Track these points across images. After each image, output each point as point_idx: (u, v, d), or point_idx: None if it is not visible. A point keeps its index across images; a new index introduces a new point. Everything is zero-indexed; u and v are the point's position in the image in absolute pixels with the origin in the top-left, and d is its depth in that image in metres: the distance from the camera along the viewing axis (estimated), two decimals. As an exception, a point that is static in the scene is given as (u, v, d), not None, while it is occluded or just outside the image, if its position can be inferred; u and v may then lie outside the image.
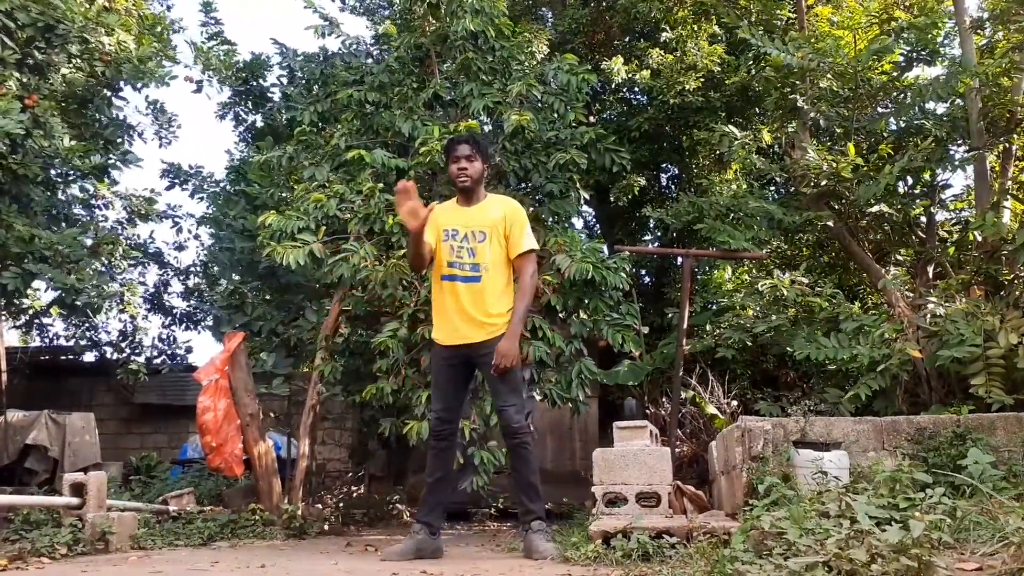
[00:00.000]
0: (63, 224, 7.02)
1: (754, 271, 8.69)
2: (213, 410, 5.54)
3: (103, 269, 7.73)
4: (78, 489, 4.17)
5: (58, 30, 6.21)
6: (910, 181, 7.17)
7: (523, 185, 5.99)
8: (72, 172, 7.20)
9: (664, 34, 8.22)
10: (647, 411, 6.36)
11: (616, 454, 4.15)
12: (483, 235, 3.77)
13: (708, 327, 7.03)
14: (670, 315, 7.67)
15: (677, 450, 5.72)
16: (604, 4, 9.01)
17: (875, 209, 6.98)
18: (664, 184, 10.01)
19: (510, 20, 6.05)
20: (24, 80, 6.08)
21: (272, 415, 7.38)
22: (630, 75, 8.22)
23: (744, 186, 7.78)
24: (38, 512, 4.52)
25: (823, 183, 6.63)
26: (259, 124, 8.31)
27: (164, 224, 9.66)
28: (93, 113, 7.21)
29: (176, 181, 8.80)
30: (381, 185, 5.27)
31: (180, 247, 10.12)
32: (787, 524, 2.50)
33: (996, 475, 3.51)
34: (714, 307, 7.86)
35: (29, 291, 8.61)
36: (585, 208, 8.89)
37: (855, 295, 8.31)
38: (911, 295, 6.27)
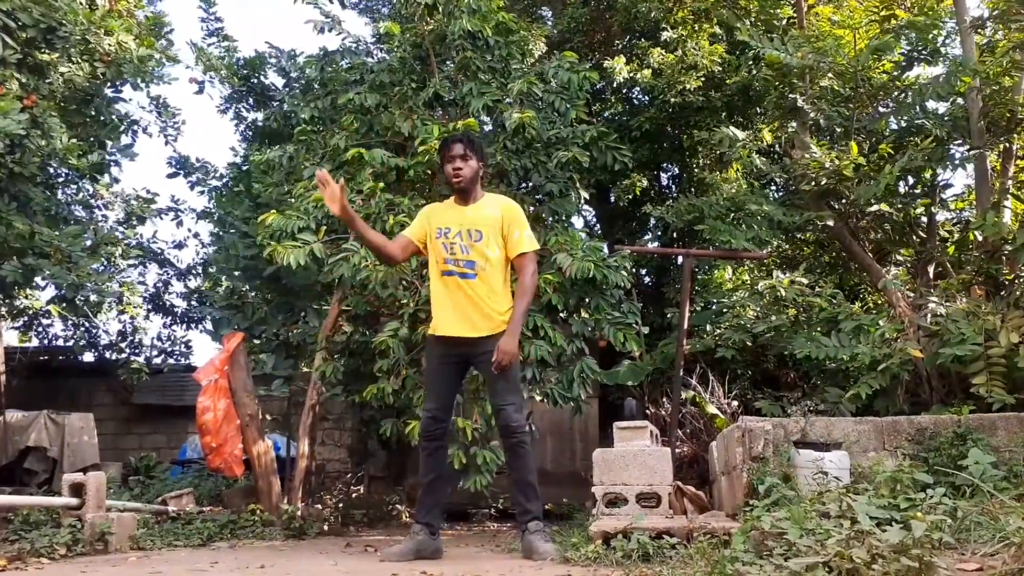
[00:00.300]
0: (62, 224, 7.02)
1: (754, 271, 8.68)
2: (213, 410, 5.54)
3: (103, 268, 7.73)
4: (77, 489, 4.17)
5: (60, 32, 6.21)
6: (910, 181, 7.16)
7: (524, 184, 5.98)
8: (70, 172, 7.20)
9: (664, 34, 8.22)
10: (647, 411, 6.36)
11: (616, 454, 4.15)
12: (480, 234, 3.75)
13: (708, 327, 7.03)
14: (670, 315, 7.67)
15: (677, 450, 5.72)
16: (604, 3, 9.00)
17: (875, 209, 6.97)
18: (664, 184, 10.01)
19: (508, 16, 6.03)
20: (23, 80, 6.07)
21: (271, 417, 7.38)
22: (632, 74, 8.22)
23: (744, 186, 7.78)
24: (37, 512, 4.53)
25: (824, 181, 6.62)
26: (260, 122, 8.32)
27: (165, 220, 9.69)
28: (92, 112, 7.20)
29: (180, 170, 8.82)
30: (382, 185, 5.26)
31: (180, 245, 10.13)
32: (788, 524, 2.49)
33: (997, 475, 3.51)
34: (714, 307, 7.86)
35: (29, 291, 8.61)
36: (585, 207, 8.88)
37: (855, 295, 8.30)
38: (911, 295, 6.27)
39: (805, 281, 6.68)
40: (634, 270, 8.20)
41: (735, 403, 6.16)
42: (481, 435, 4.96)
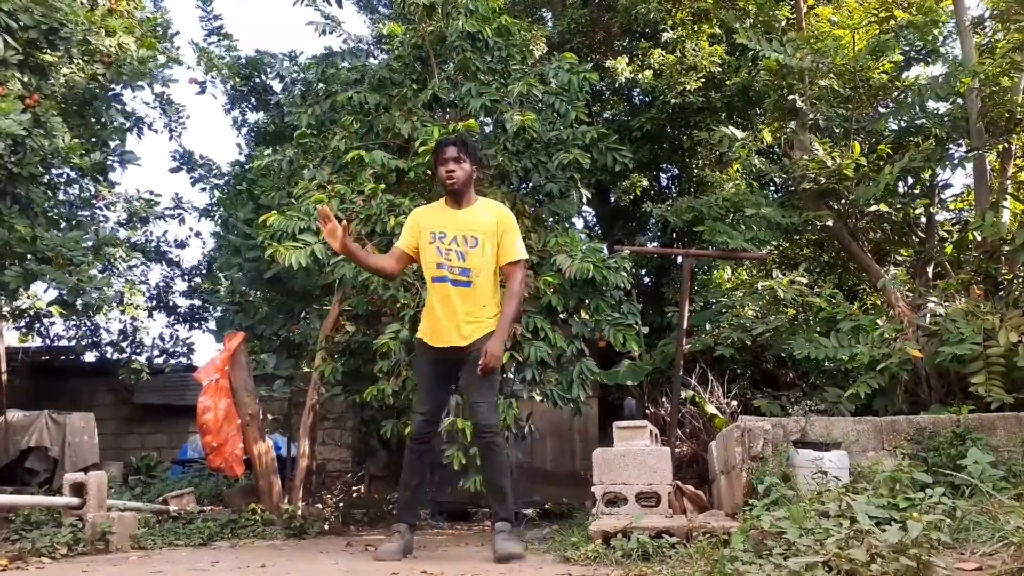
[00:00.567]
0: (63, 224, 7.03)
1: (753, 271, 8.69)
2: (213, 410, 5.55)
3: (104, 270, 7.73)
4: (78, 489, 4.17)
5: (62, 32, 6.21)
6: (910, 181, 7.17)
7: (524, 184, 5.99)
8: (72, 171, 7.21)
9: (665, 34, 8.22)
10: (647, 411, 6.36)
11: (616, 454, 4.16)
12: (475, 240, 3.72)
13: (708, 327, 7.03)
14: (670, 314, 7.67)
15: (677, 450, 5.72)
16: (604, 4, 9.01)
17: (875, 209, 6.98)
18: (664, 184, 10.02)
19: (510, 18, 6.04)
20: (25, 80, 6.08)
21: (271, 416, 7.39)
22: (633, 74, 8.23)
23: (744, 186, 7.79)
24: (38, 512, 4.53)
25: (823, 181, 6.63)
26: (261, 123, 8.33)
27: (169, 220, 9.70)
28: (93, 114, 7.20)
29: (184, 165, 8.83)
30: (383, 186, 5.27)
31: (181, 244, 10.14)
32: (787, 524, 2.50)
33: (996, 475, 3.52)
34: (713, 307, 7.87)
35: (30, 292, 8.62)
36: (585, 208, 8.89)
37: (855, 295, 8.31)
38: (911, 295, 6.28)
39: (804, 281, 6.69)
40: (634, 270, 8.21)
41: (734, 403, 6.17)
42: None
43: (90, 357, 10.10)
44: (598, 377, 5.40)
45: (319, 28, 6.38)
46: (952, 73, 6.25)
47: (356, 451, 8.46)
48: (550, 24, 9.65)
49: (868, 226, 7.35)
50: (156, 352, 10.15)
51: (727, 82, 8.04)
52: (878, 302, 7.76)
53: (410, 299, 5.15)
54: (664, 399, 6.33)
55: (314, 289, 6.62)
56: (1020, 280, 5.84)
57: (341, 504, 6.55)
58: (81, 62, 6.57)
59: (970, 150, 6.49)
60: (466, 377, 3.77)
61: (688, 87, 7.91)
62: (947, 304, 5.54)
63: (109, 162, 7.44)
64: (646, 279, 9.83)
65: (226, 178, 8.84)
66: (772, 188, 8.51)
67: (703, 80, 7.98)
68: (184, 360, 10.25)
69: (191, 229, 13.02)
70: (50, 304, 8.78)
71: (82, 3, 6.73)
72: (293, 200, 5.58)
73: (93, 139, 7.10)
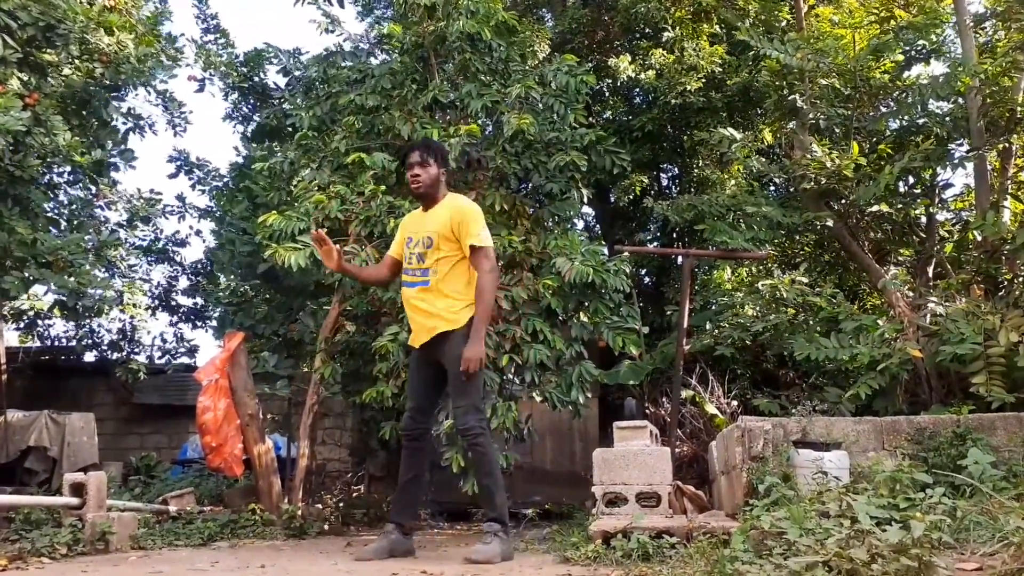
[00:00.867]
0: (63, 224, 7.02)
1: (754, 271, 8.69)
2: (213, 410, 5.54)
3: (105, 271, 7.73)
4: (78, 489, 4.17)
5: (59, 30, 6.21)
6: (910, 181, 7.17)
7: (524, 185, 5.98)
8: (72, 171, 7.20)
9: (666, 34, 8.22)
10: (647, 411, 6.36)
11: (616, 454, 4.16)
12: (430, 240, 3.79)
13: (708, 326, 7.03)
14: (670, 314, 7.67)
15: (677, 450, 5.72)
16: (604, 4, 9.00)
17: (875, 209, 6.98)
18: (665, 184, 10.01)
19: (513, 16, 6.03)
20: (24, 78, 6.08)
21: (271, 416, 7.38)
22: (635, 74, 8.22)
23: (745, 186, 7.78)
24: (38, 512, 4.52)
25: (823, 181, 6.63)
26: (261, 120, 8.31)
27: (170, 219, 9.70)
28: (92, 114, 7.20)
29: (183, 167, 8.81)
30: (383, 187, 5.27)
31: (182, 243, 10.13)
32: (787, 524, 2.50)
33: (996, 475, 3.52)
34: (713, 306, 7.86)
35: (30, 293, 8.61)
36: (585, 208, 8.89)
37: (855, 295, 8.31)
38: (911, 295, 6.27)
39: (805, 281, 6.69)
40: (634, 270, 8.21)
41: (735, 403, 6.16)
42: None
43: (90, 357, 10.08)
44: (598, 378, 5.39)
45: (321, 27, 6.38)
46: (953, 72, 6.25)
47: (356, 451, 8.45)
48: (550, 24, 9.64)
49: (868, 226, 7.35)
50: (157, 352, 10.15)
51: (727, 82, 8.03)
52: (878, 302, 7.75)
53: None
54: (664, 399, 6.33)
55: (310, 285, 6.63)
56: (1020, 280, 5.84)
57: (341, 504, 6.54)
58: (79, 61, 6.57)
59: (971, 150, 6.48)
60: (448, 384, 3.82)
61: (689, 87, 7.91)
62: (947, 304, 5.53)
63: (109, 160, 7.44)
64: (646, 279, 9.82)
65: (225, 179, 8.83)
66: (772, 188, 8.50)
67: (703, 80, 7.97)
68: (186, 360, 10.25)
69: (191, 228, 13.04)
70: (51, 308, 8.77)
71: (80, 0, 6.72)
72: (294, 202, 5.57)
73: (91, 139, 7.09)
